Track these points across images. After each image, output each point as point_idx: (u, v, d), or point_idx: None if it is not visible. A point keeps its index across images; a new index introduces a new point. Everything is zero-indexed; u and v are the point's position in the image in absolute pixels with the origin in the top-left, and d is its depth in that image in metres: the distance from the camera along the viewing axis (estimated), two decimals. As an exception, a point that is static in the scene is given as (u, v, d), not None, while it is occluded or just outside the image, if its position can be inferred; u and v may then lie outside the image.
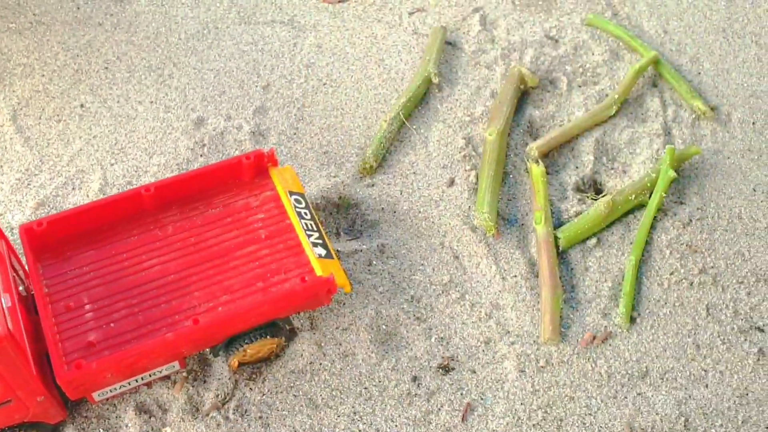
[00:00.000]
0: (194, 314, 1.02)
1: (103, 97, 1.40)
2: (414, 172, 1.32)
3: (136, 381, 1.03)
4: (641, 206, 1.27)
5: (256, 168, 1.15)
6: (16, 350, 0.86)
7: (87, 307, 1.02)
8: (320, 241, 1.10)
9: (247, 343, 1.05)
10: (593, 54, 1.47)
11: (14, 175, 1.28)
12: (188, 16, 1.54)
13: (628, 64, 1.45)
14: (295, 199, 1.13)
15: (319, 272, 1.05)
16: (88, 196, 1.25)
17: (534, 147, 1.31)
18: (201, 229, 1.11)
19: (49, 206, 1.24)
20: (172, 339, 0.97)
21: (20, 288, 1.02)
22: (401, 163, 1.33)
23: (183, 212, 1.12)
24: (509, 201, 1.29)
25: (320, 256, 1.08)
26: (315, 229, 1.11)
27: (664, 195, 1.26)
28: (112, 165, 1.30)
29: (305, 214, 1.12)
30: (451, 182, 1.30)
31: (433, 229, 1.25)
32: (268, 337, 1.06)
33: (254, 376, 1.09)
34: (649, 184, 1.26)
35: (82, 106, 1.39)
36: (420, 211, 1.27)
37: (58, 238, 1.07)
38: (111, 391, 1.01)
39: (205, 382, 1.08)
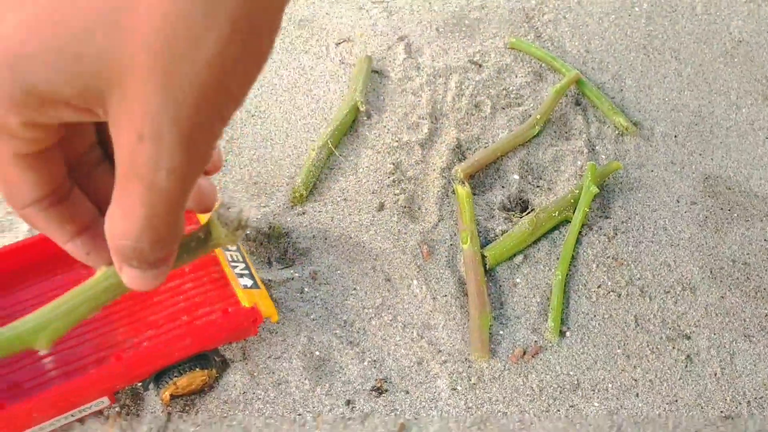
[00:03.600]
0: (119, 350, 1.02)
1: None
2: (344, 199, 1.33)
3: (67, 418, 1.02)
4: (566, 222, 1.29)
5: (181, 202, 1.16)
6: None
7: None
8: (246, 272, 1.11)
9: (176, 376, 1.05)
10: (516, 76, 1.51)
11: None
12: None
13: (551, 85, 1.49)
14: (221, 231, 1.14)
15: (244, 303, 1.06)
16: (17, 237, 1.25)
17: (459, 169, 1.33)
18: (126, 265, 1.11)
19: (-25, 250, 1.23)
20: (96, 376, 0.97)
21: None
22: (331, 190, 1.34)
23: (109, 249, 1.12)
24: (440, 221, 1.31)
25: (246, 286, 1.08)
26: (241, 260, 1.12)
27: (588, 210, 1.28)
28: (40, 206, 1.30)
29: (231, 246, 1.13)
30: (381, 207, 1.32)
31: (365, 254, 1.26)
32: (197, 369, 1.06)
33: (187, 408, 1.09)
34: (572, 201, 1.29)
35: None
36: (351, 237, 1.28)
37: (-17, 278, 1.06)
38: (41, 429, 1.00)
39: (138, 415, 1.08)
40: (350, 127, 1.43)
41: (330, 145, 1.37)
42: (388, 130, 1.43)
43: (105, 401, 1.04)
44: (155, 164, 0.40)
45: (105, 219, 0.45)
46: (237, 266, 1.11)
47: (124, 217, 0.43)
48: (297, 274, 1.23)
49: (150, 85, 0.37)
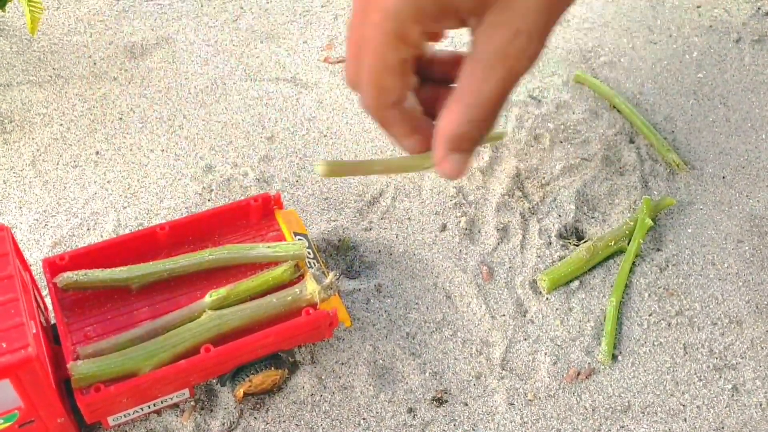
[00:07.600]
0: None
1: (117, 145, 1.50)
2: (408, 218, 1.40)
3: (148, 407, 1.08)
4: (620, 252, 1.36)
5: (263, 210, 1.23)
6: (41, 372, 0.92)
7: (104, 336, 1.08)
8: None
9: (252, 374, 1.11)
10: (574, 113, 1.58)
11: (33, 216, 1.35)
12: (197, 73, 1.64)
13: (606, 122, 1.57)
14: (299, 239, 1.21)
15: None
16: (102, 236, 1.33)
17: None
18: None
19: (65, 245, 1.31)
20: (185, 366, 1.03)
21: (41, 318, 1.09)
22: (396, 210, 1.42)
23: (194, 250, 1.20)
24: (499, 244, 1.37)
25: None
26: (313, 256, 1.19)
27: (642, 241, 1.35)
28: (124, 208, 1.38)
29: (308, 253, 1.20)
30: (443, 227, 1.39)
31: (427, 271, 1.33)
32: (272, 368, 1.12)
33: (258, 406, 1.15)
34: (627, 232, 1.36)
35: (97, 153, 1.48)
36: (414, 254, 1.35)
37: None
38: (125, 416, 1.07)
39: (211, 411, 1.14)
40: (415, 152, 1.50)
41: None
42: (451, 156, 1.50)
43: (185, 393, 1.11)
44: (522, 52, 0.57)
45: (442, 115, 0.63)
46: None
47: (473, 104, 0.60)
48: (363, 286, 1.30)
49: None
